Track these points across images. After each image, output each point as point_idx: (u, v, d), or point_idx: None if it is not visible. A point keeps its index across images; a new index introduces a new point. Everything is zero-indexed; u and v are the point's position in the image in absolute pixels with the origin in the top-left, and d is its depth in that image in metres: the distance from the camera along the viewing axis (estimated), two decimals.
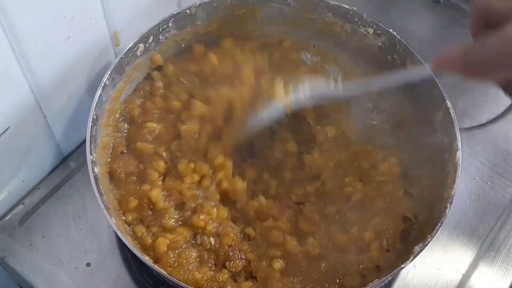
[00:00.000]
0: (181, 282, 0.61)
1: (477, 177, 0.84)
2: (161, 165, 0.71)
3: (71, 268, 0.72)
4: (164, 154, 0.72)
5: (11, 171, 0.74)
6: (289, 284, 0.64)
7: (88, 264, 0.72)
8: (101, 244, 0.74)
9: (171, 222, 0.68)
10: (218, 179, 0.72)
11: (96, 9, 0.70)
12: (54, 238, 0.74)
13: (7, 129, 0.68)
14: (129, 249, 0.60)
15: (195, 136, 0.73)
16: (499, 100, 0.92)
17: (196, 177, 0.71)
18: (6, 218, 0.75)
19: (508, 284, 0.75)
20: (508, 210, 0.81)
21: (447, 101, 0.70)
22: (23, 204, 0.77)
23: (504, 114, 0.90)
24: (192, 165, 0.72)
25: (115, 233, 0.71)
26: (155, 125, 0.74)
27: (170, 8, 0.80)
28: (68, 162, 0.81)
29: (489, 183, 0.83)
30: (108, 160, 0.72)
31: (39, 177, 0.79)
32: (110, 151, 0.73)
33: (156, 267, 0.60)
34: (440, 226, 0.61)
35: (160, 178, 0.71)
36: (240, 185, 0.72)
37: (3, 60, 0.61)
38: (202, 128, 0.74)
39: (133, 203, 0.68)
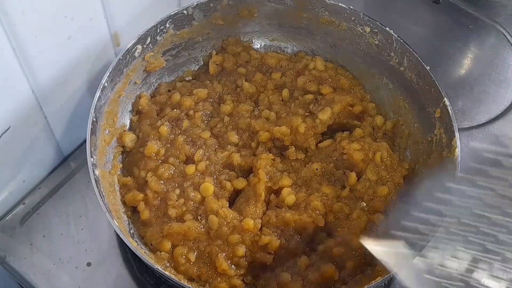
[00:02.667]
0: (184, 283, 0.61)
1: None
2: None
3: (71, 268, 0.72)
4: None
5: (11, 171, 0.74)
6: None
7: (88, 264, 0.72)
8: (102, 244, 0.74)
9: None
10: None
11: (96, 9, 0.71)
12: (55, 238, 0.74)
13: (8, 129, 0.68)
14: (129, 249, 0.60)
15: None
16: (498, 100, 0.92)
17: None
18: (7, 218, 0.75)
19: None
20: None
21: (445, 99, 0.70)
22: (23, 204, 0.77)
23: (503, 114, 0.90)
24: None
25: (116, 233, 0.71)
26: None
27: (170, 8, 0.80)
28: (69, 162, 0.82)
29: None
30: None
31: (39, 177, 0.79)
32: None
33: (159, 268, 0.60)
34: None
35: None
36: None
37: (3, 60, 0.62)
38: None
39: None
